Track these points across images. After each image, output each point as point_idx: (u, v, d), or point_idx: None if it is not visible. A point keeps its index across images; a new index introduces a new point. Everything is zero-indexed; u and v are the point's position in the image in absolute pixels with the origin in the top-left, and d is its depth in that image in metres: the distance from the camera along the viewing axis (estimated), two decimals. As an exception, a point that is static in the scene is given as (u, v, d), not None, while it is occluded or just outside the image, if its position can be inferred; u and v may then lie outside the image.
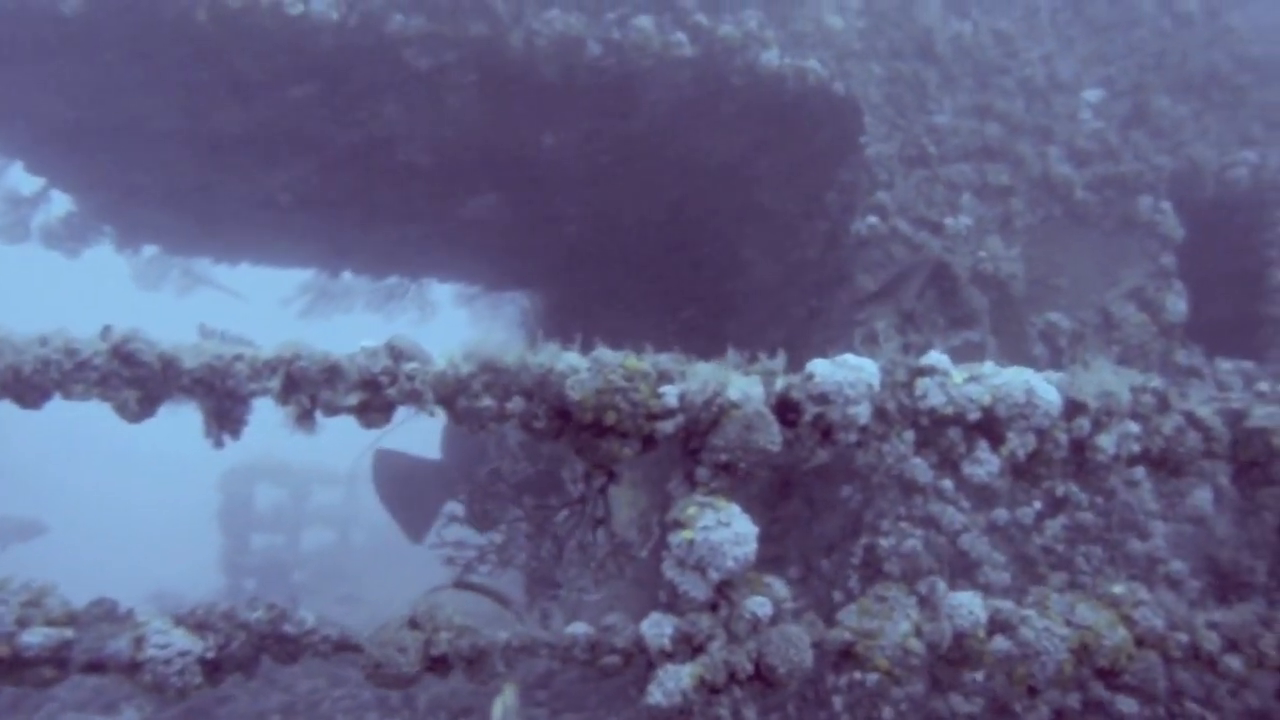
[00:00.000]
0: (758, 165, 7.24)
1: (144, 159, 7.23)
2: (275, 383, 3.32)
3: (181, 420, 3.65)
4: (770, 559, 7.01)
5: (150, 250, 9.50)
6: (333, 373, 3.38)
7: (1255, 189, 6.96)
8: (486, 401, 3.49)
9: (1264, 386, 4.53)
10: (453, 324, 11.18)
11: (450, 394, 3.46)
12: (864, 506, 6.26)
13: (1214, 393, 4.56)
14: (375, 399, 3.41)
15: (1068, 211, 6.63)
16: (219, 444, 3.42)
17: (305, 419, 3.43)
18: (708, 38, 6.02)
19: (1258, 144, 7.05)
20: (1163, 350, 6.62)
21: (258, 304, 11.00)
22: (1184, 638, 4.28)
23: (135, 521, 41.29)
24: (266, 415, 3.49)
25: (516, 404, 3.50)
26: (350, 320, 10.27)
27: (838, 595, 6.36)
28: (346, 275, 10.02)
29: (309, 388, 3.39)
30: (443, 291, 10.89)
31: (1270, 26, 7.31)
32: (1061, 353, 6.44)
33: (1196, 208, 6.85)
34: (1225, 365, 6.89)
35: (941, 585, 6.50)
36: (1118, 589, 4.33)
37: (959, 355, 6.41)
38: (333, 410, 3.44)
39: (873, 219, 6.23)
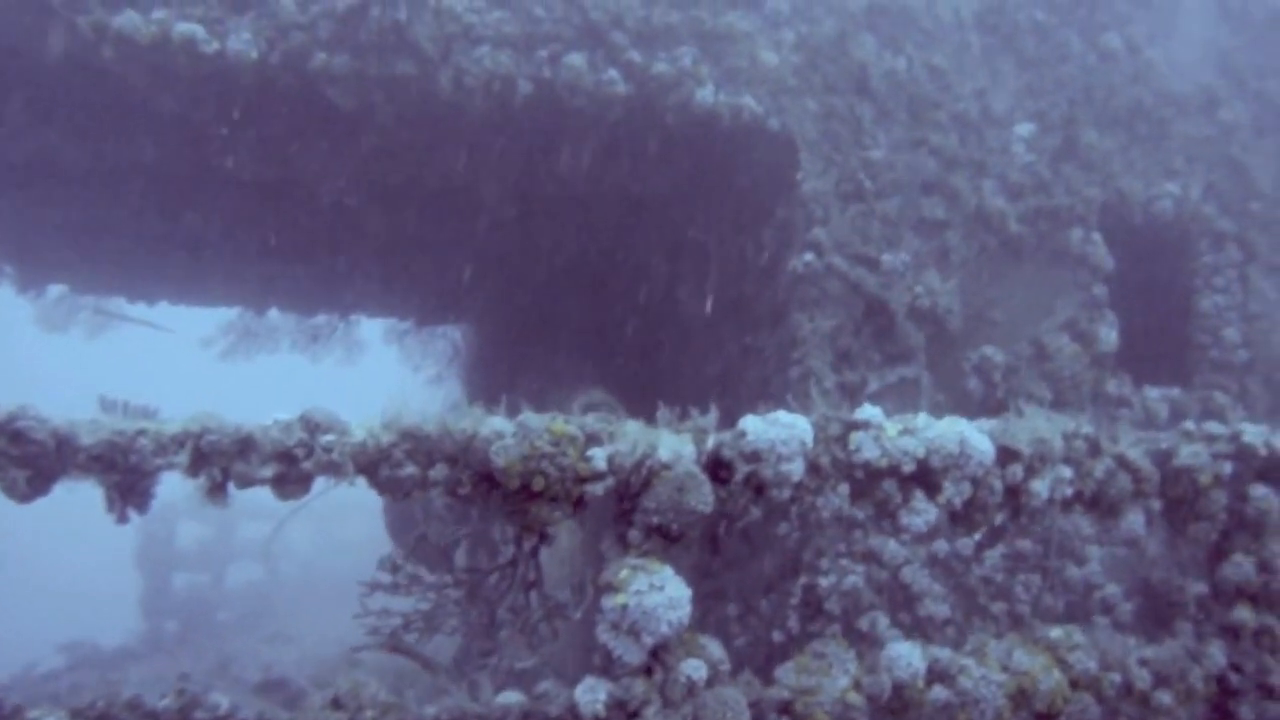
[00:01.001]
0: (692, 201, 7.19)
1: (50, 195, 6.94)
2: (183, 457, 3.16)
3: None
4: (708, 594, 6.95)
5: (56, 290, 9.10)
6: (245, 444, 3.24)
7: (1179, 219, 7.10)
8: (409, 470, 3.38)
9: (1189, 425, 4.59)
10: (382, 362, 10.94)
11: (371, 464, 3.33)
12: (802, 545, 6.22)
13: (1143, 433, 4.60)
14: (291, 471, 3.27)
15: (1002, 244, 6.68)
16: (123, 520, 3.25)
17: (217, 492, 3.28)
18: (641, 75, 5.95)
19: (1180, 175, 7.20)
20: (1095, 380, 6.71)
21: (183, 339, 10.61)
22: (1117, 677, 4.32)
23: (56, 553, 39.76)
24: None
25: (440, 471, 3.39)
26: (275, 361, 10.00)
27: (777, 635, 6.31)
28: (273, 313, 9.72)
29: (220, 460, 3.23)
30: (371, 329, 10.65)
31: (1187, 62, 7.49)
32: (995, 386, 6.48)
33: (1126, 239, 6.96)
34: (1153, 393, 7.01)
35: (883, 620, 6.52)
36: (1055, 633, 4.35)
37: (895, 391, 6.43)
38: (247, 482, 3.29)
39: (809, 256, 6.21)
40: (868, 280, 6.35)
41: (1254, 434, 4.49)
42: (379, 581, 3.84)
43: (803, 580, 6.25)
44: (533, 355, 9.47)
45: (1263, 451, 4.46)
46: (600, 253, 8.11)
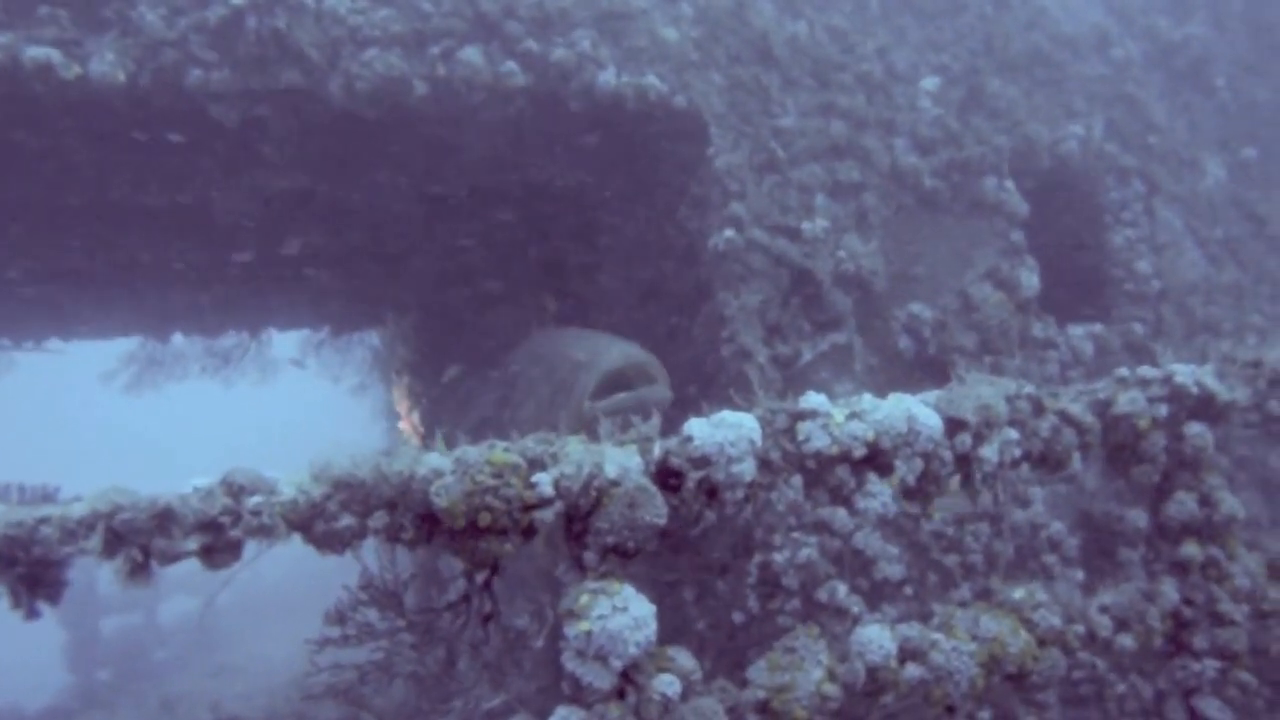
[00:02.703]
0: (606, 186, 7.00)
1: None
2: (95, 542, 2.90)
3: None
4: (662, 580, 6.88)
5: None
6: (164, 518, 2.98)
7: (1085, 159, 7.19)
8: (346, 521, 3.17)
9: (1124, 372, 4.65)
10: (299, 377, 10.51)
11: (305, 521, 3.11)
12: (755, 518, 6.17)
13: (1083, 386, 4.64)
14: (219, 540, 3.04)
15: (919, 200, 6.66)
16: (31, 616, 2.97)
17: (139, 573, 3.03)
18: (540, 64, 5.71)
19: (1081, 116, 7.28)
20: (1021, 326, 6.77)
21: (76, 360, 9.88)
22: (1081, 628, 4.38)
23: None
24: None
25: (379, 519, 3.19)
26: (185, 389, 9.51)
27: (738, 616, 6.26)
28: (177, 338, 9.20)
29: (138, 538, 2.98)
30: (285, 343, 10.17)
31: (1076, 4, 7.57)
32: (926, 343, 6.48)
33: (1036, 182, 7.02)
34: (1077, 331, 7.13)
35: (841, 588, 6.52)
36: (1018, 594, 4.37)
37: (828, 359, 6.39)
38: (171, 558, 3.04)
39: (729, 232, 6.09)
40: (790, 251, 6.27)
41: (1185, 374, 4.56)
42: (328, 636, 3.63)
43: (758, 558, 6.20)
44: (457, 354, 9.23)
45: (1194, 391, 4.54)
46: (517, 245, 7.88)
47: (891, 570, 6.41)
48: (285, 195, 6.44)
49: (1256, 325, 7.78)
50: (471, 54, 5.53)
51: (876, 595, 6.29)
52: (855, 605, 6.08)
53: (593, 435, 3.65)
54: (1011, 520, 6.85)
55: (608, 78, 5.85)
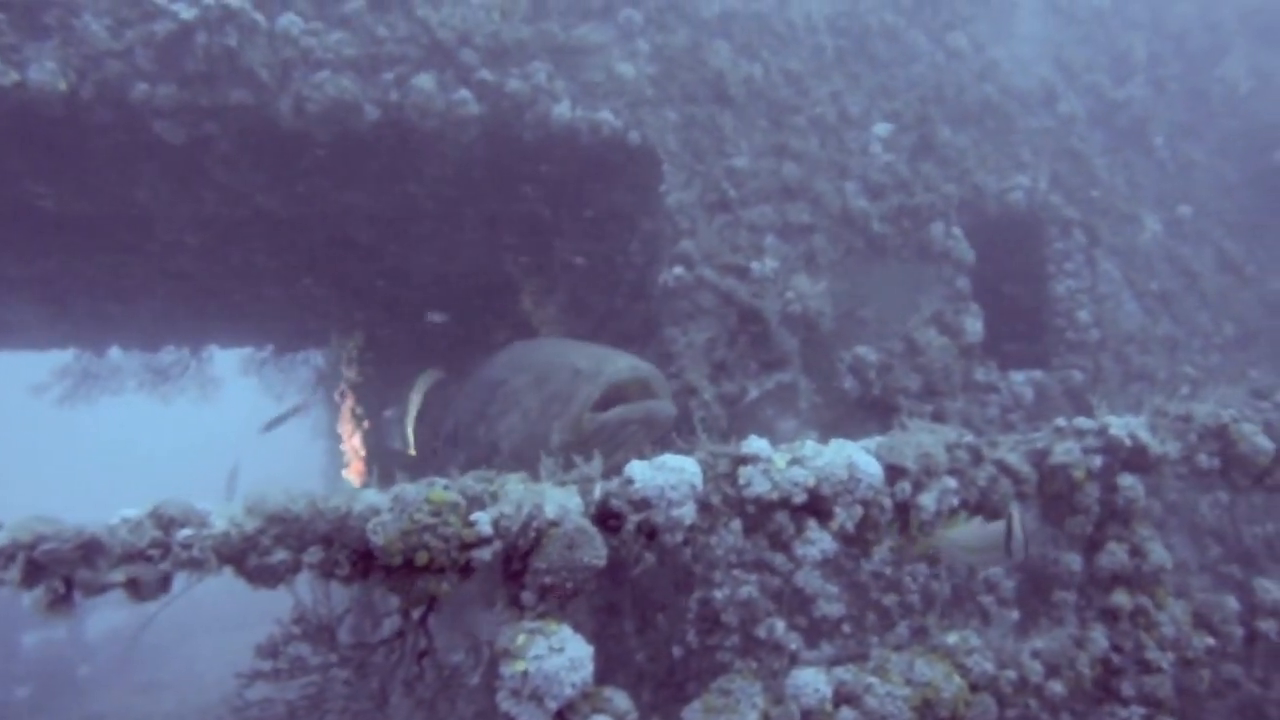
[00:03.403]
0: (558, 217, 7.01)
1: None
2: (14, 572, 2.80)
3: None
4: (603, 607, 6.84)
5: None
6: (90, 549, 2.90)
7: (1030, 209, 7.36)
8: (280, 556, 3.11)
9: (1061, 422, 4.74)
10: (241, 394, 10.30)
11: (237, 554, 3.05)
12: (694, 559, 6.16)
13: (1020, 435, 4.72)
14: (147, 572, 2.95)
15: (868, 244, 6.76)
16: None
17: (60, 604, 2.93)
18: (494, 94, 5.71)
19: (1028, 167, 7.46)
20: (964, 370, 6.88)
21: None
22: (1013, 674, 4.43)
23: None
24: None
25: (314, 555, 3.13)
26: (121, 403, 9.25)
27: (677, 650, 6.24)
28: (114, 352, 8.95)
29: (61, 569, 2.89)
30: (227, 360, 9.96)
31: (1026, 58, 7.79)
32: (871, 384, 6.56)
33: (983, 231, 7.16)
34: (1018, 378, 7.26)
35: (780, 625, 6.53)
36: (952, 639, 4.41)
37: (773, 398, 6.44)
38: (95, 590, 2.95)
39: (678, 269, 6.12)
40: (739, 290, 6.31)
41: (1119, 426, 4.67)
42: (258, 670, 3.54)
43: (698, 594, 6.19)
44: (399, 375, 9.13)
45: (1128, 443, 4.65)
46: (464, 274, 7.84)
47: (830, 608, 6.44)
48: (230, 213, 6.34)
49: (1189, 375, 8.00)
50: (425, 81, 5.51)
51: (815, 633, 6.31)
52: (794, 642, 6.09)
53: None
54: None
55: (562, 110, 5.87)
